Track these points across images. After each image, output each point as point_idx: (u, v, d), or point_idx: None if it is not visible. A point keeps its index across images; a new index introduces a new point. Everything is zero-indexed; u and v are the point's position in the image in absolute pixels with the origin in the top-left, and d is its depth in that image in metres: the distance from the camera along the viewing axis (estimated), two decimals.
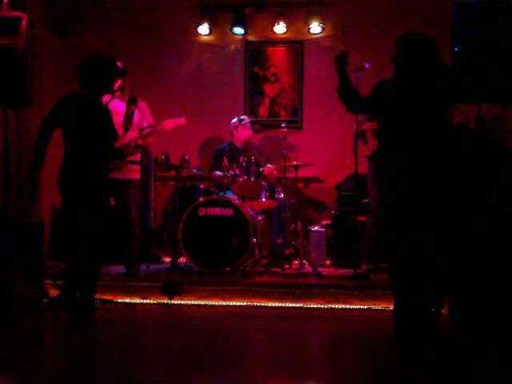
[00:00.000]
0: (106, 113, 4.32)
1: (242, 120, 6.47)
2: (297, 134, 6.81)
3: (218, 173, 6.10)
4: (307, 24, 7.00)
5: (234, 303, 4.98)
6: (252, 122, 6.60)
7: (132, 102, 5.50)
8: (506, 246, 4.30)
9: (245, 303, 4.97)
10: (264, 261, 5.91)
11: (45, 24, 6.09)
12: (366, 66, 5.25)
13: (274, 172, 6.31)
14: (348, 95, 4.05)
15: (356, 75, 5.21)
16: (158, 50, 7.17)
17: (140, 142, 5.40)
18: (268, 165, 6.21)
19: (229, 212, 5.57)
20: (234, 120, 6.49)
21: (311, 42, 7.13)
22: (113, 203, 5.54)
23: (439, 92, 3.85)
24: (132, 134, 5.38)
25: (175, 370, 3.42)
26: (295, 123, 7.08)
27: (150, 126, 5.60)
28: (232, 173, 5.82)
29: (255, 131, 6.81)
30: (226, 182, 5.90)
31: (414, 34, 3.95)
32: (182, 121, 5.52)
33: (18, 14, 4.80)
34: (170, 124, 5.47)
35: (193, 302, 5.01)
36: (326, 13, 6.95)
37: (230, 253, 5.51)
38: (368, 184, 5.43)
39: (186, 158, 5.85)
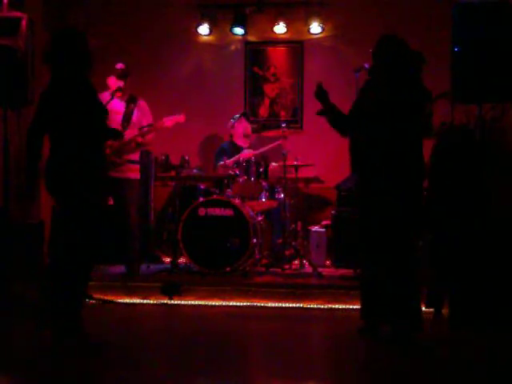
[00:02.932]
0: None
1: (236, 117, 6.51)
2: (297, 134, 6.80)
3: (222, 162, 6.09)
4: (307, 24, 6.99)
5: (234, 303, 4.98)
6: (244, 114, 6.60)
7: (131, 101, 5.50)
8: (506, 245, 4.30)
9: (245, 303, 4.97)
10: (264, 261, 5.90)
11: (45, 24, 6.08)
12: (366, 66, 5.22)
13: (277, 169, 6.30)
14: (340, 124, 4.12)
15: (356, 75, 5.21)
16: (158, 50, 7.17)
17: (139, 140, 5.41)
18: (272, 163, 6.22)
19: (229, 212, 5.56)
20: (230, 122, 6.53)
21: (311, 42, 7.13)
22: (112, 203, 5.54)
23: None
24: (131, 133, 5.38)
25: (175, 369, 3.42)
26: (295, 123, 7.08)
27: (149, 125, 5.60)
28: (232, 173, 5.83)
29: (255, 131, 6.81)
30: (225, 182, 5.89)
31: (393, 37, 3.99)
32: (181, 118, 5.52)
33: (18, 14, 4.82)
34: (169, 121, 5.46)
35: (193, 302, 5.00)
36: (325, 13, 6.94)
37: (230, 253, 5.50)
38: None
39: (186, 158, 5.85)
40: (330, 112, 4.08)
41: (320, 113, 4.14)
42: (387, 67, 3.94)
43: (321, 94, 4.08)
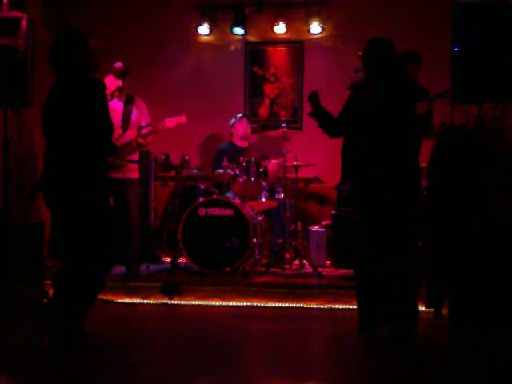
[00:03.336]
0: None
1: (238, 117, 6.51)
2: (297, 134, 6.80)
3: (220, 170, 6.11)
4: (307, 24, 6.99)
5: (234, 303, 4.98)
6: (246, 115, 6.62)
7: (129, 101, 5.50)
8: (506, 246, 4.30)
9: (245, 303, 4.97)
10: (264, 261, 5.90)
11: (45, 24, 6.08)
12: None
13: (277, 168, 6.28)
14: (329, 126, 4.23)
15: (356, 75, 5.20)
16: (158, 50, 7.17)
17: (141, 141, 5.41)
18: (272, 160, 6.23)
19: (229, 212, 5.56)
20: (231, 120, 6.53)
21: (311, 42, 7.13)
22: (112, 203, 5.54)
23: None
24: (131, 133, 5.38)
25: (175, 370, 3.42)
26: (295, 123, 7.08)
27: (148, 125, 5.61)
28: (232, 172, 5.82)
29: (255, 131, 6.81)
30: (226, 181, 5.89)
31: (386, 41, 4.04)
32: (182, 119, 5.55)
33: (18, 14, 4.82)
34: (170, 122, 5.49)
35: (193, 302, 5.01)
36: (325, 13, 6.95)
37: (230, 253, 5.50)
38: None
39: (186, 158, 5.85)
40: (319, 115, 4.20)
41: (311, 114, 4.26)
42: (378, 70, 3.98)
43: (313, 98, 4.18)
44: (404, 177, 3.88)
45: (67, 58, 3.73)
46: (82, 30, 3.99)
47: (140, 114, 5.61)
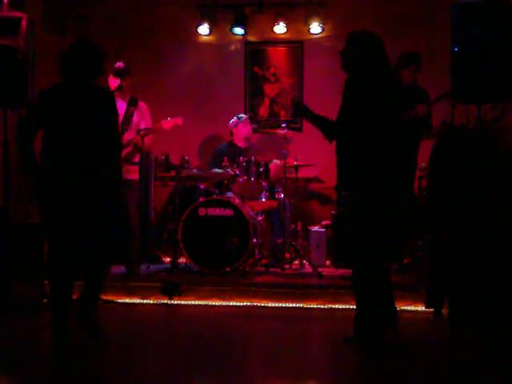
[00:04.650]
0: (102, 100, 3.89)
1: (241, 117, 6.49)
2: (297, 134, 6.80)
3: (217, 170, 6.10)
4: (307, 24, 7.00)
5: (234, 303, 4.98)
6: (250, 117, 6.62)
7: (132, 103, 5.52)
8: (506, 246, 4.30)
9: (245, 303, 4.97)
10: (264, 261, 5.90)
11: (45, 24, 6.08)
12: None
13: (279, 168, 6.25)
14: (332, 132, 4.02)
15: None
16: (158, 50, 7.17)
17: (139, 142, 5.41)
18: (274, 160, 6.22)
19: (229, 212, 5.56)
20: (233, 119, 6.50)
21: (311, 42, 7.13)
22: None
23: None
24: (130, 135, 5.39)
25: (175, 370, 3.43)
26: (295, 123, 7.07)
27: (146, 129, 5.63)
28: (232, 172, 5.82)
29: (256, 131, 6.81)
30: (225, 182, 5.89)
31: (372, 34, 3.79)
32: (179, 121, 5.58)
33: (18, 14, 4.82)
34: (167, 124, 5.53)
35: (193, 302, 5.01)
36: (325, 13, 6.94)
37: (229, 253, 5.51)
38: None
39: (186, 158, 5.85)
40: (316, 123, 4.05)
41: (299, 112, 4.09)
42: (357, 68, 3.77)
43: (301, 110, 4.03)
44: (397, 177, 3.82)
45: (84, 64, 3.85)
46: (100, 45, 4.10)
47: (141, 117, 5.62)
